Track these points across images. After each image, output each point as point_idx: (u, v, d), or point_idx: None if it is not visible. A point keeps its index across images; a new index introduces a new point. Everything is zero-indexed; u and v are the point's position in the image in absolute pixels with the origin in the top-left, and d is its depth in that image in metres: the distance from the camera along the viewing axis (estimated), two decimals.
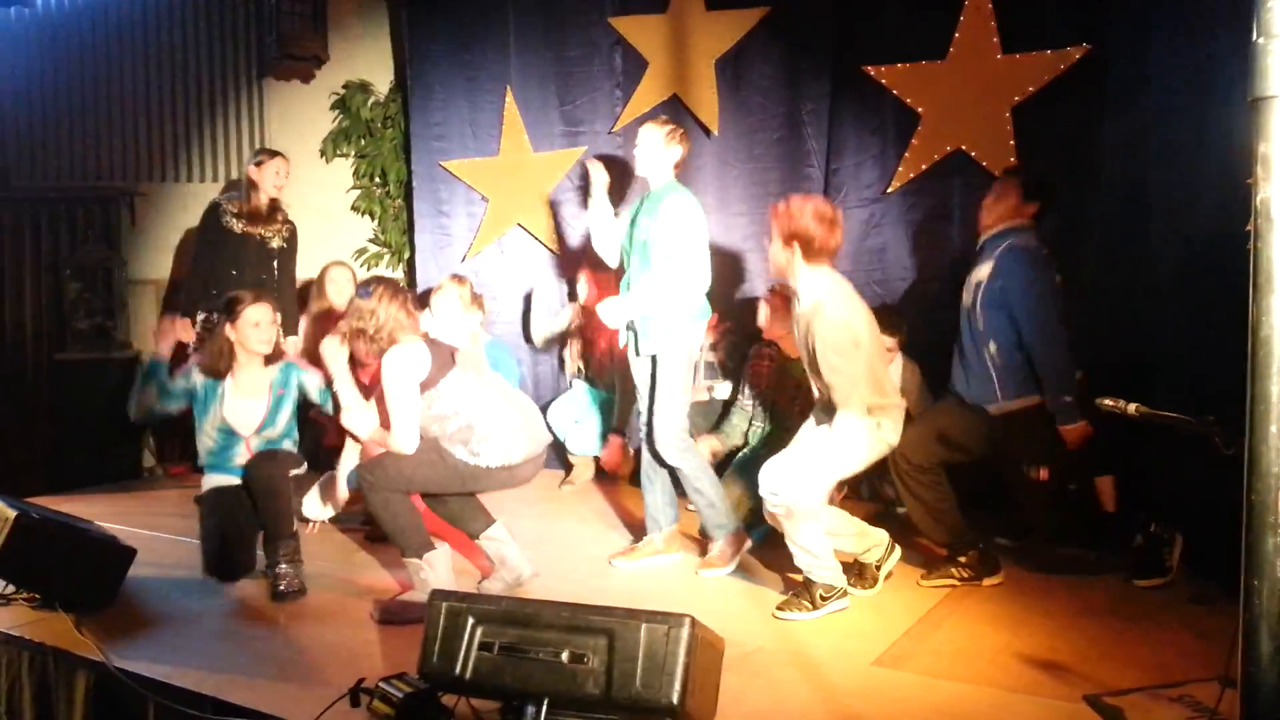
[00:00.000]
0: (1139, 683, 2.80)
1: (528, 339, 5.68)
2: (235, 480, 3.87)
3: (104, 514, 4.22)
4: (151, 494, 5.39)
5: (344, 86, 6.40)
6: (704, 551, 4.00)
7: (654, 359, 3.87)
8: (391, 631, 3.26)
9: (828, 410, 3.46)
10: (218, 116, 6.44)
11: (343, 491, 3.76)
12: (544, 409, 5.33)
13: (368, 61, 6.48)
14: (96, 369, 5.75)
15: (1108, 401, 2.51)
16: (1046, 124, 4.36)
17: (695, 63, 5.18)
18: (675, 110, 5.17)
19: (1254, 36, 1.27)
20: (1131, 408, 2.46)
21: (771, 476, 3.39)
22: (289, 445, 3.98)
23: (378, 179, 6.37)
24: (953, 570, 3.69)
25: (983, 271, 3.65)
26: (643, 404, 3.99)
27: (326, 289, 5.20)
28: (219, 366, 3.88)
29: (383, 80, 6.47)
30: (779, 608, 3.43)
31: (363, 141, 6.37)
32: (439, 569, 3.42)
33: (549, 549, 4.21)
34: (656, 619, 2.42)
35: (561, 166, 5.61)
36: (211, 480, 3.94)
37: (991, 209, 3.74)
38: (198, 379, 3.90)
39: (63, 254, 6.06)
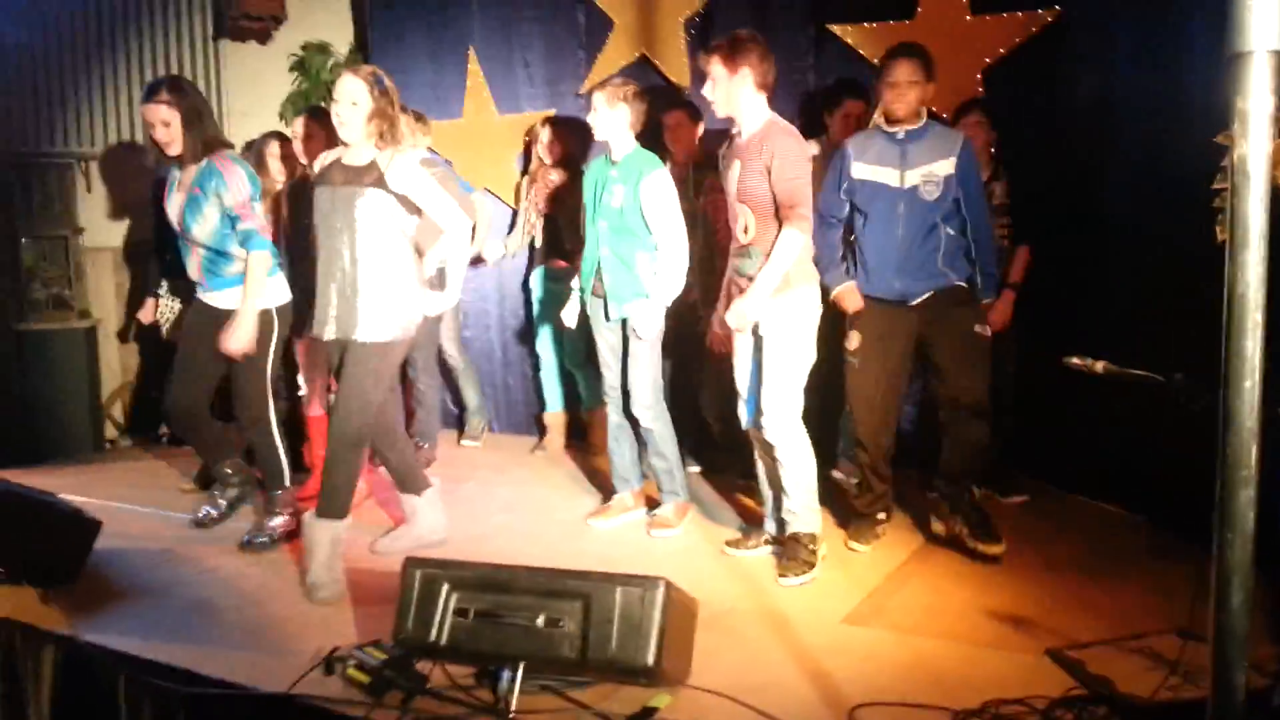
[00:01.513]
0: (1100, 635, 2.86)
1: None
2: (203, 297, 3.81)
3: (67, 486, 4.15)
4: (115, 465, 5.29)
5: (302, 48, 6.25)
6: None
7: (626, 324, 3.88)
8: (365, 599, 3.24)
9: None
10: None
11: None
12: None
13: (327, 22, 6.34)
14: (56, 339, 5.65)
15: (1075, 359, 2.53)
16: (1015, 85, 4.36)
17: (662, 22, 5.10)
18: (644, 70, 5.11)
19: None
20: (1099, 365, 2.48)
21: (773, 416, 3.42)
22: (239, 261, 3.69)
23: None
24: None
25: (942, 167, 3.54)
26: (611, 367, 3.99)
27: (269, 165, 4.63)
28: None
29: (342, 41, 6.34)
30: (781, 575, 3.42)
31: (323, 104, 6.24)
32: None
33: (522, 514, 4.22)
34: (632, 582, 2.44)
35: (525, 129, 5.53)
36: (196, 293, 3.88)
37: (906, 98, 3.55)
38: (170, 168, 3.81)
39: (18, 222, 5.91)
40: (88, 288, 5.92)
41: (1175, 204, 3.57)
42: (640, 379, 3.86)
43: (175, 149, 3.65)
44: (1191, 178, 3.41)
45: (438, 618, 2.51)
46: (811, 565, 3.42)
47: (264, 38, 6.32)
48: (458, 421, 5.60)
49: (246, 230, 3.64)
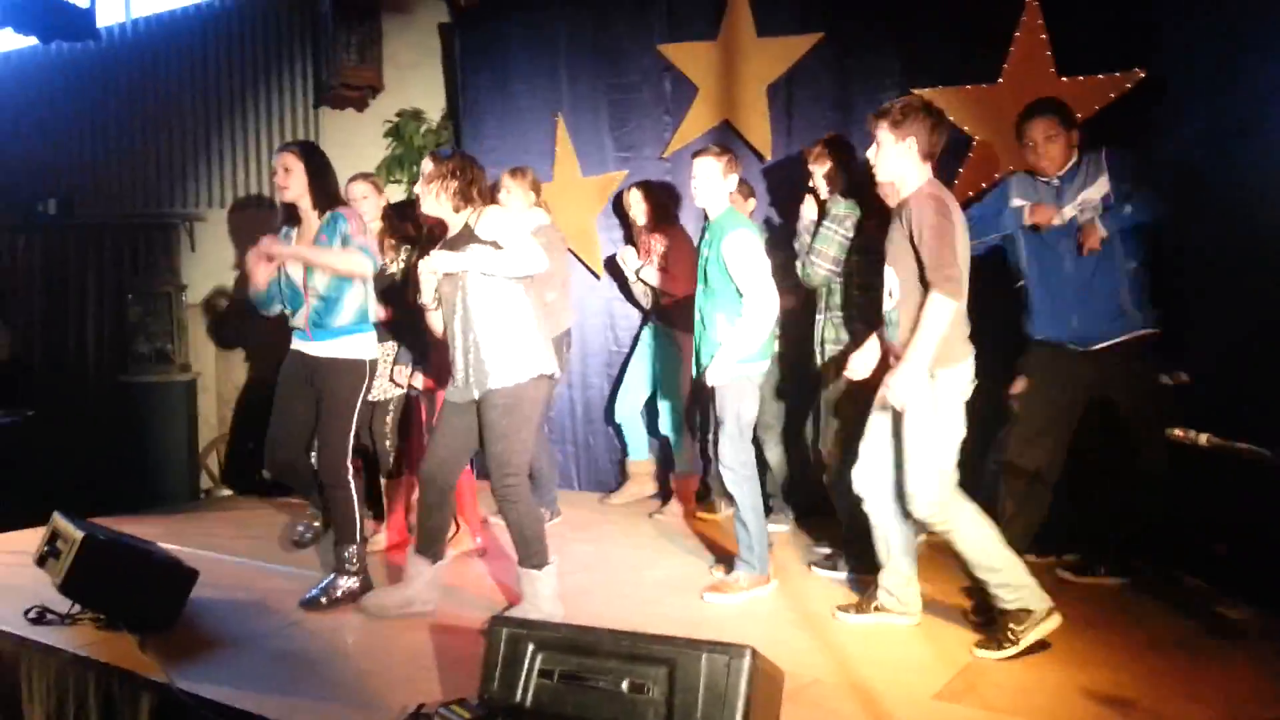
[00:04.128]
0: None
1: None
2: (303, 347, 3.84)
3: (163, 535, 4.30)
4: (210, 515, 5.46)
5: (397, 115, 6.51)
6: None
7: (714, 389, 3.85)
8: (452, 657, 3.26)
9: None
10: (275, 144, 6.57)
11: None
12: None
13: (421, 90, 6.60)
14: (157, 391, 5.88)
15: (1178, 431, 2.45)
16: (1101, 147, 4.30)
17: (746, 88, 5.19)
18: (726, 136, 5.18)
19: None
20: (1203, 438, 2.40)
21: (919, 492, 3.25)
22: (346, 313, 3.77)
23: None
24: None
25: (1094, 192, 3.77)
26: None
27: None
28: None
29: (435, 108, 6.58)
30: (977, 646, 3.29)
31: (416, 168, 6.46)
32: (548, 585, 3.48)
33: (599, 575, 4.21)
34: (717, 649, 2.40)
35: (606, 191, 5.65)
36: (293, 344, 3.92)
37: (1050, 150, 3.82)
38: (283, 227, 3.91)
39: (125, 279, 6.22)
40: (189, 343, 6.15)
41: (1259, 271, 3.47)
42: (726, 444, 3.83)
43: (290, 195, 3.80)
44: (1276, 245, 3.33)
45: (523, 678, 2.51)
46: (1008, 644, 3.22)
47: (361, 105, 6.60)
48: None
49: (364, 245, 3.80)
